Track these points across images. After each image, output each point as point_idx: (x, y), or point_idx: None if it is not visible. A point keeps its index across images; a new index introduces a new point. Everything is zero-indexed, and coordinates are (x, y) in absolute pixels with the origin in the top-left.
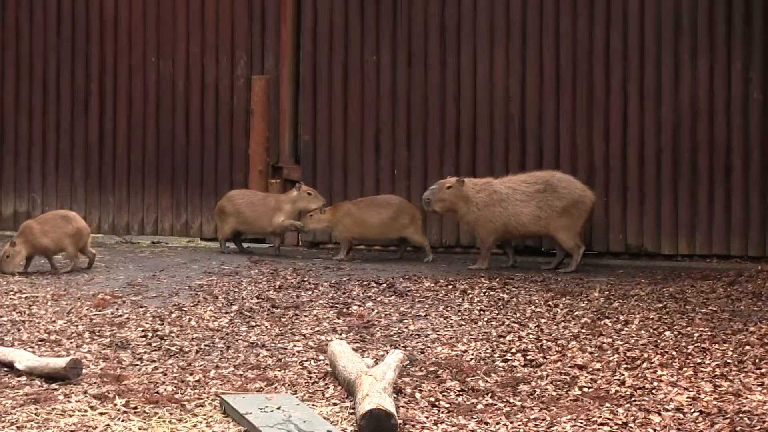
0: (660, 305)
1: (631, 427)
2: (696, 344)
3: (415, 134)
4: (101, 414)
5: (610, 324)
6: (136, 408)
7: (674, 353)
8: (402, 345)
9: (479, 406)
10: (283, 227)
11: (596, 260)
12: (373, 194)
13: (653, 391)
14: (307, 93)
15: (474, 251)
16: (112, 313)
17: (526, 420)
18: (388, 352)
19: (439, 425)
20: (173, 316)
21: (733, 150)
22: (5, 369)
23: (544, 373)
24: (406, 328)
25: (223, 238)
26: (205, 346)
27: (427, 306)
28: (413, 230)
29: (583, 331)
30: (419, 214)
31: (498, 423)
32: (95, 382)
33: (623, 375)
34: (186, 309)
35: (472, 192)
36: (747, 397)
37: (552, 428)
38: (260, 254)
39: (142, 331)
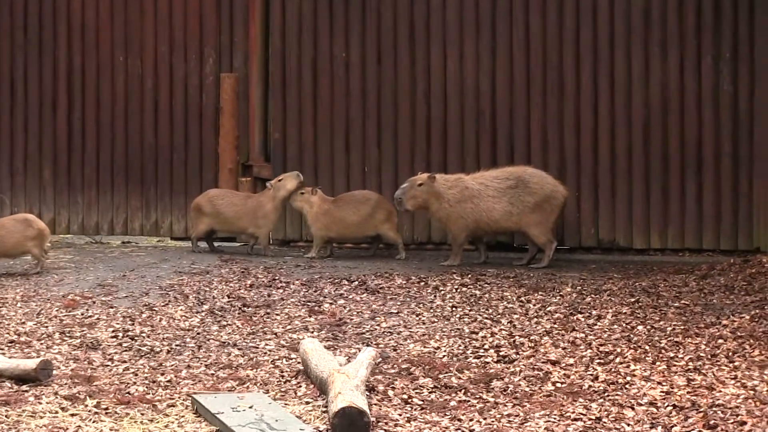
0: (632, 300)
1: (605, 422)
2: (669, 338)
3: (386, 131)
4: (72, 415)
5: (582, 319)
6: (107, 409)
7: (647, 347)
8: (374, 342)
9: (452, 403)
10: (272, 224)
11: (568, 255)
12: (344, 191)
13: (626, 386)
14: (276, 90)
15: (446, 248)
16: (82, 314)
17: (499, 416)
18: (360, 350)
19: (412, 422)
20: (144, 316)
21: (704, 143)
22: None
23: (517, 368)
24: (378, 325)
25: (196, 237)
26: (177, 345)
27: (399, 303)
28: (389, 227)
29: (555, 326)
30: (395, 211)
31: (471, 419)
32: (66, 384)
33: (596, 370)
34: (157, 309)
35: (444, 188)
36: (720, 391)
37: (525, 424)
38: (231, 253)
39: (113, 331)
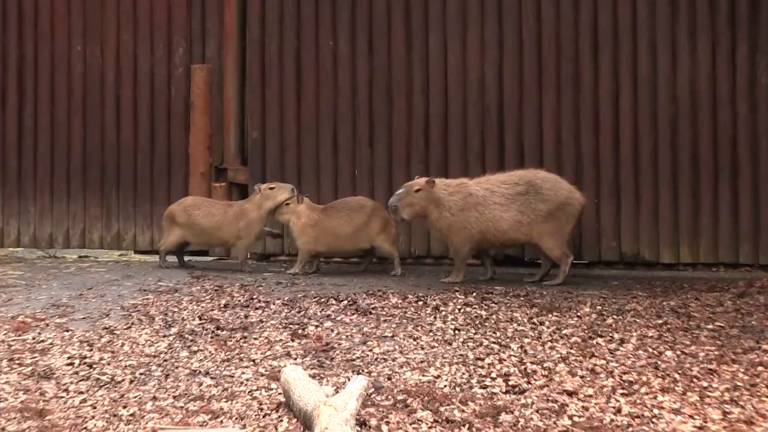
0: (660, 321)
1: None
2: (701, 365)
3: (379, 129)
4: None
5: (603, 343)
6: None
7: (677, 376)
8: (366, 370)
9: None
10: (255, 237)
11: (587, 271)
12: (331, 198)
13: (653, 420)
14: (254, 84)
15: (447, 262)
16: (33, 338)
17: None
18: (350, 379)
19: None
20: (104, 340)
21: (739, 142)
22: None
23: (529, 400)
24: (370, 351)
25: (166, 250)
26: (141, 374)
27: (394, 325)
28: (384, 238)
29: (572, 351)
30: (392, 220)
31: None
32: (14, 418)
33: (619, 402)
34: (118, 332)
35: (445, 194)
36: (761, 425)
37: None
38: (202, 268)
39: (69, 358)
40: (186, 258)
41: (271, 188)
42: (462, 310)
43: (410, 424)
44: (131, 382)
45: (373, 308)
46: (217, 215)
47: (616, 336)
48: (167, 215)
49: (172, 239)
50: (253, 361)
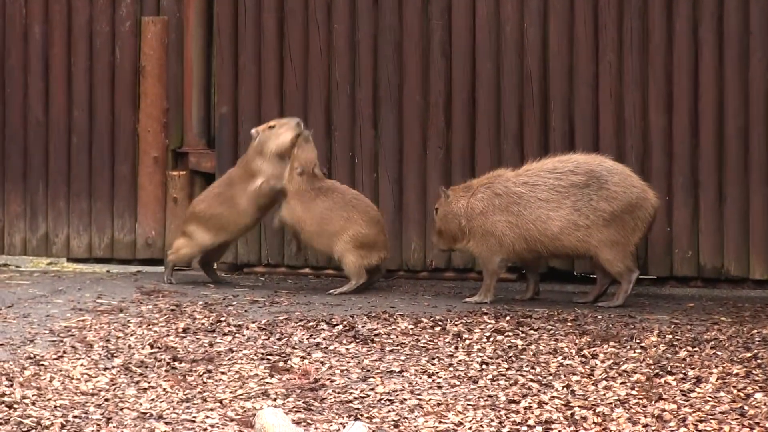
0: (748, 355)
1: None
2: None
3: (385, 102)
4: None
5: (673, 383)
6: None
7: None
8: (366, 415)
9: None
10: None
11: (655, 289)
12: None
13: None
14: (224, 43)
15: (474, 276)
16: None
17: None
18: (344, 426)
19: None
20: (27, 373)
21: None
22: None
23: None
24: (371, 390)
25: (179, 262)
26: (75, 418)
27: (403, 358)
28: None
29: (633, 393)
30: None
31: None
32: None
33: None
34: (46, 363)
35: (464, 199)
36: None
37: None
38: (155, 281)
39: None
40: (137, 267)
41: (271, 127)
42: (491, 339)
43: None
44: (62, 427)
45: (376, 335)
46: (226, 196)
47: (690, 373)
48: (192, 214)
49: (194, 249)
50: (220, 401)
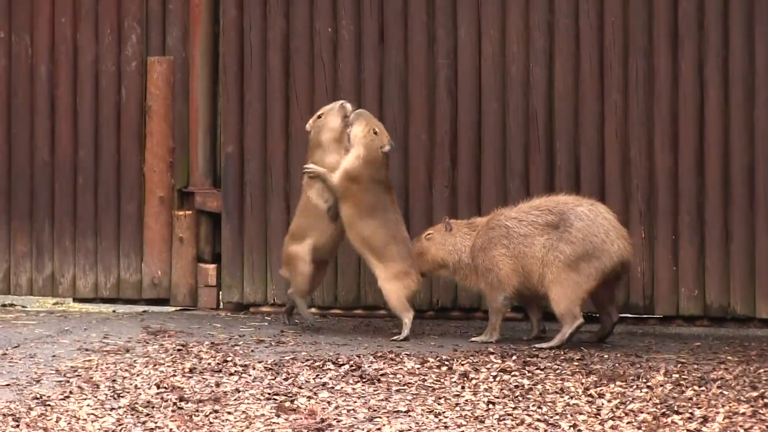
0: (755, 394)
1: None
2: None
3: (391, 140)
4: None
5: (680, 422)
6: None
7: None
8: None
9: None
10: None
11: (661, 328)
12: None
13: None
14: (230, 82)
15: (480, 316)
16: None
17: None
18: None
19: None
20: (33, 414)
21: None
22: None
23: None
24: (378, 430)
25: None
26: None
27: (409, 397)
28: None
29: None
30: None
31: None
32: None
33: None
34: (52, 403)
35: (461, 233)
36: None
37: None
38: (161, 321)
39: None
40: (143, 307)
41: (319, 117)
42: (498, 378)
43: None
44: None
45: (382, 375)
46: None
47: (697, 413)
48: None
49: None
50: None
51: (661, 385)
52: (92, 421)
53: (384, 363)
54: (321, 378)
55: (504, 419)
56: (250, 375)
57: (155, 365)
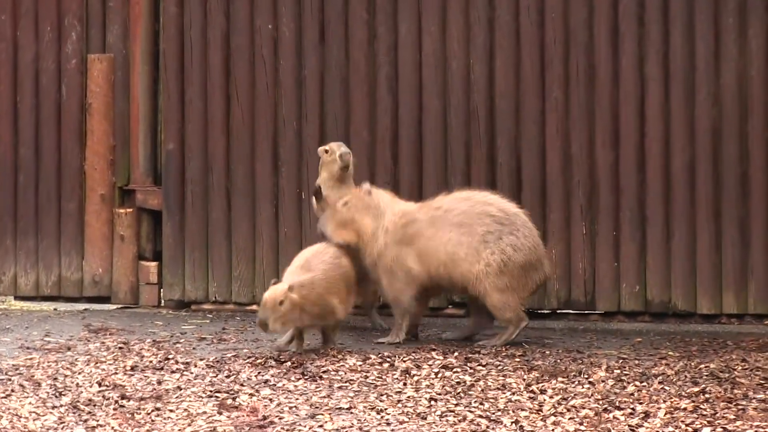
0: (696, 389)
1: None
2: None
3: (332, 139)
4: None
5: (622, 418)
6: None
7: None
8: None
9: None
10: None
11: (602, 324)
12: (270, 231)
13: None
14: (171, 80)
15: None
16: None
17: None
18: None
19: None
20: None
21: None
22: None
23: None
24: (320, 427)
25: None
26: None
27: (351, 394)
28: None
29: (582, 428)
30: None
31: None
32: None
33: None
34: None
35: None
36: None
37: None
38: (103, 319)
39: None
40: (84, 305)
41: (325, 151)
42: (440, 375)
43: None
44: None
45: (324, 372)
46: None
47: (639, 408)
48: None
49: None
50: None
51: (603, 381)
52: (34, 420)
53: (326, 360)
54: (263, 375)
55: (446, 416)
56: (192, 372)
57: (97, 363)
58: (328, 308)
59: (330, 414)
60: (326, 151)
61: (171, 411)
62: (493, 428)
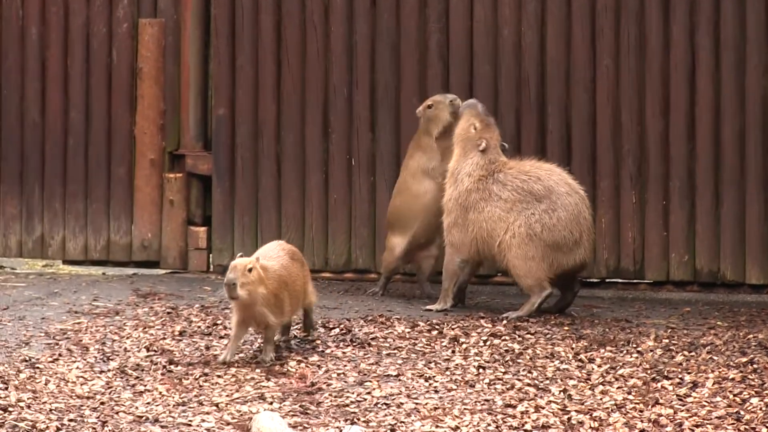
0: (744, 359)
1: None
2: None
3: (382, 106)
4: None
5: (670, 387)
6: None
7: (765, 430)
8: (362, 419)
9: None
10: None
11: (651, 293)
12: (319, 198)
13: None
14: (221, 45)
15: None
16: None
17: None
18: (341, 430)
19: None
20: (22, 376)
21: None
22: None
23: None
24: (368, 393)
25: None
26: (70, 421)
27: (399, 362)
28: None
29: (630, 398)
30: None
31: None
32: None
33: None
34: (41, 366)
35: None
36: None
37: None
38: (151, 284)
39: None
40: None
41: (429, 107)
42: (488, 343)
43: None
44: (58, 430)
45: (372, 339)
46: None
47: (687, 378)
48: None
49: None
50: (217, 405)
51: (651, 351)
52: (81, 384)
53: (374, 327)
54: (311, 342)
55: (494, 384)
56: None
57: (145, 328)
58: (278, 303)
59: (378, 381)
60: (429, 106)
61: (219, 377)
62: (541, 397)
